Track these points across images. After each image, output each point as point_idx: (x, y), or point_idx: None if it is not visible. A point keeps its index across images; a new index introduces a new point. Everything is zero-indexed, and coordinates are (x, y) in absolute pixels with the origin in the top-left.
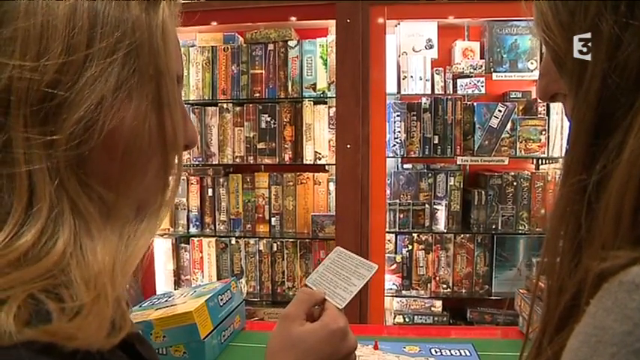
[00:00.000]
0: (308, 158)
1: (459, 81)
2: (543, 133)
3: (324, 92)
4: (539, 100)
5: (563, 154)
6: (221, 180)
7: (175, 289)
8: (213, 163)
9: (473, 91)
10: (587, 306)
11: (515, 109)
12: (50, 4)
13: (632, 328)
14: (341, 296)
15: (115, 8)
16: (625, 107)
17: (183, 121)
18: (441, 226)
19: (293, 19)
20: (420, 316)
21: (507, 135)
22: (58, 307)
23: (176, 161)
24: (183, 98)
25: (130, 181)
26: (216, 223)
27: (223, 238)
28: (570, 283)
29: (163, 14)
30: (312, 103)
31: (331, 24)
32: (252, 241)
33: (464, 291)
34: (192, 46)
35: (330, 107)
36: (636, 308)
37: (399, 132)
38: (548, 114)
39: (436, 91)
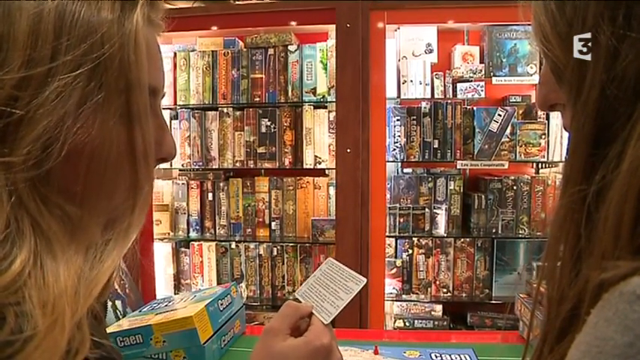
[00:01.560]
0: (308, 162)
1: (459, 85)
2: (543, 137)
3: (324, 96)
4: None
5: (563, 159)
6: (221, 184)
7: (175, 294)
8: (214, 167)
9: (472, 95)
10: (588, 316)
11: (515, 113)
12: (12, 12)
13: (634, 339)
14: (327, 311)
15: (85, 17)
16: (624, 118)
17: (161, 134)
18: (441, 230)
19: (293, 23)
20: (420, 321)
21: (507, 139)
22: (4, 333)
23: (147, 176)
24: (183, 103)
25: (97, 197)
26: (217, 228)
27: (223, 243)
28: (571, 293)
29: (137, 24)
30: (312, 107)
31: (331, 28)
32: (252, 245)
33: (464, 295)
34: (193, 51)
35: (330, 111)
36: (637, 319)
37: (399, 136)
38: (547, 118)
39: (436, 96)
